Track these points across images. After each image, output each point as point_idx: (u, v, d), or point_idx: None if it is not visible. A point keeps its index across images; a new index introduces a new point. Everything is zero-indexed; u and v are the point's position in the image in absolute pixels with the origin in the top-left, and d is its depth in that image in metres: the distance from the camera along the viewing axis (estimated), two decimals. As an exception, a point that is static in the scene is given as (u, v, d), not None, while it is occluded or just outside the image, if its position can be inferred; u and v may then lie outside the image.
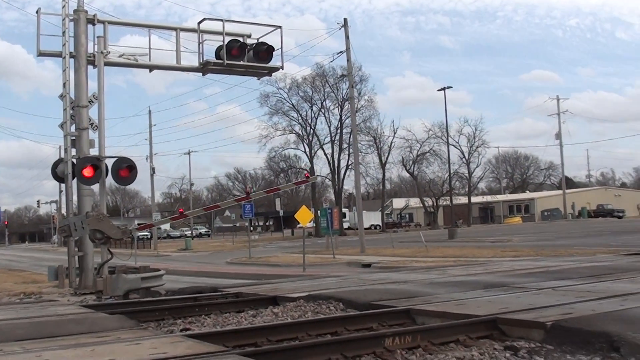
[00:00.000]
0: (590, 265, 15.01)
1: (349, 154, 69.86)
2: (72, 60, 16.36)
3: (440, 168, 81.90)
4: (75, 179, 16.31)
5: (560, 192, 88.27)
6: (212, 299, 11.61)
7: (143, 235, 63.87)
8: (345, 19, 39.14)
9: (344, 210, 73.79)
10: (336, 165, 73.32)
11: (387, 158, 79.01)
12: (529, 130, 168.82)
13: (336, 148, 73.13)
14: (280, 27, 18.08)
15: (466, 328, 7.22)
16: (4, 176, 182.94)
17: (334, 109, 73.02)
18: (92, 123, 16.74)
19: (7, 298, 15.26)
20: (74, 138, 16.40)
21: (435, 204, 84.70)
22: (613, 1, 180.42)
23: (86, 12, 16.55)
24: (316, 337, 7.42)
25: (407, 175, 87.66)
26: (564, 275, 12.56)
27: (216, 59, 17.49)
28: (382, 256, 30.47)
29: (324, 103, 73.40)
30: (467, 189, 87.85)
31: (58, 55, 16.42)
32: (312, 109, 73.20)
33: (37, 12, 16.43)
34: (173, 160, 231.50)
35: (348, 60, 39.48)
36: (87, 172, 15.85)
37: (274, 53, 17.82)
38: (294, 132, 73.52)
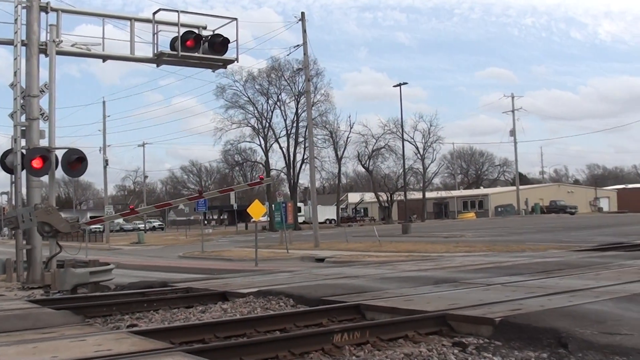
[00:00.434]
0: (542, 261, 15.18)
1: (304, 148, 70.03)
2: (23, 48, 15.98)
3: (395, 163, 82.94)
4: (24, 170, 15.96)
5: (514, 188, 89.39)
6: (161, 294, 11.48)
7: (95, 228, 62.88)
8: (302, 13, 39.17)
9: (299, 204, 73.87)
10: (292, 159, 73.41)
11: (343, 153, 79.43)
12: (484, 127, 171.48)
13: (292, 142, 73.25)
14: (236, 19, 17.96)
15: (415, 324, 7.23)
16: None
17: (290, 102, 73.18)
18: (43, 113, 16.37)
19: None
20: (24, 128, 16.02)
21: (389, 198, 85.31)
22: (568, 1, 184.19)
23: (40, -1, 16.16)
24: (265, 334, 7.37)
25: (363, 170, 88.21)
26: (514, 270, 12.70)
27: (171, 50, 17.30)
28: (336, 251, 30.55)
29: (280, 96, 73.54)
30: (421, 185, 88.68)
31: (10, 43, 16.02)
32: (268, 102, 73.36)
33: (-13, -2, 16.00)
34: (127, 152, 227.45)
35: (305, 54, 39.57)
36: (36, 163, 15.49)
37: (229, 45, 17.71)
38: (249, 125, 73.50)
